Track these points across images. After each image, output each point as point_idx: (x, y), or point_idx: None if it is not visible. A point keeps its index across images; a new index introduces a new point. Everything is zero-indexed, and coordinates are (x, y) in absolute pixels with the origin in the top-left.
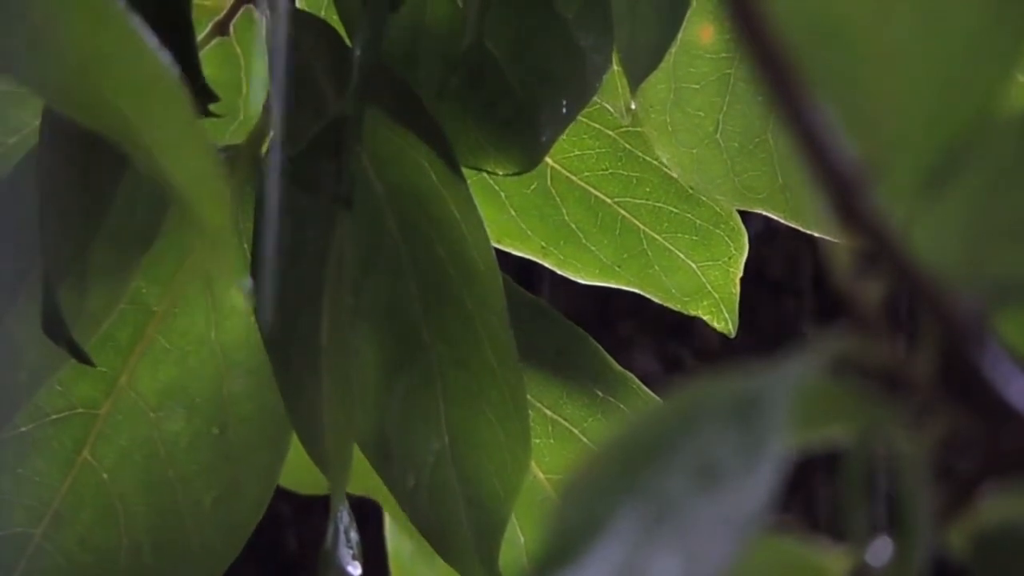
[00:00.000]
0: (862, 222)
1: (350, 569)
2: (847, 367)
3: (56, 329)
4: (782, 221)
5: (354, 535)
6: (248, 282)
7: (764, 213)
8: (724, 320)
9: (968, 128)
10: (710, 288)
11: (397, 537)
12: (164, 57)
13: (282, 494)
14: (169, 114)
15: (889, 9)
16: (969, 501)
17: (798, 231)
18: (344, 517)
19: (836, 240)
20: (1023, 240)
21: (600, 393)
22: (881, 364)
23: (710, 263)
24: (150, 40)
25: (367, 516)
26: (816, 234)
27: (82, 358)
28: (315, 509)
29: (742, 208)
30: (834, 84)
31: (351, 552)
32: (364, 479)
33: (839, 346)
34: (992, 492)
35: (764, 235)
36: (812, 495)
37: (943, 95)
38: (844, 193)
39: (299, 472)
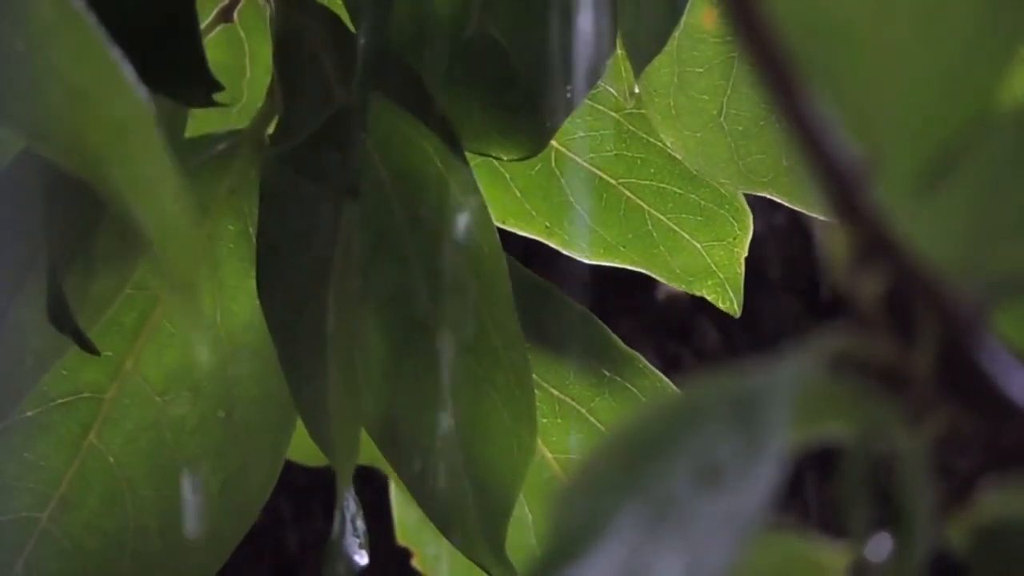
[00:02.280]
0: (861, 218)
1: (357, 558)
2: (846, 364)
3: (61, 317)
4: (781, 222)
5: (360, 524)
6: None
7: (763, 213)
8: (729, 300)
9: (967, 124)
10: (715, 268)
11: (402, 505)
12: (142, 94)
13: (283, 494)
14: (143, 155)
15: (888, 6)
16: (969, 497)
17: (798, 231)
18: (351, 506)
19: (835, 235)
20: (1022, 235)
21: (607, 373)
22: (880, 360)
23: (715, 243)
24: (129, 76)
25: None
26: (818, 223)
27: (87, 346)
28: (315, 509)
29: (747, 191)
30: (833, 81)
31: (358, 541)
32: (370, 448)
33: (838, 343)
34: (991, 488)
35: (764, 235)
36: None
37: (942, 91)
38: (843, 189)
39: (307, 445)
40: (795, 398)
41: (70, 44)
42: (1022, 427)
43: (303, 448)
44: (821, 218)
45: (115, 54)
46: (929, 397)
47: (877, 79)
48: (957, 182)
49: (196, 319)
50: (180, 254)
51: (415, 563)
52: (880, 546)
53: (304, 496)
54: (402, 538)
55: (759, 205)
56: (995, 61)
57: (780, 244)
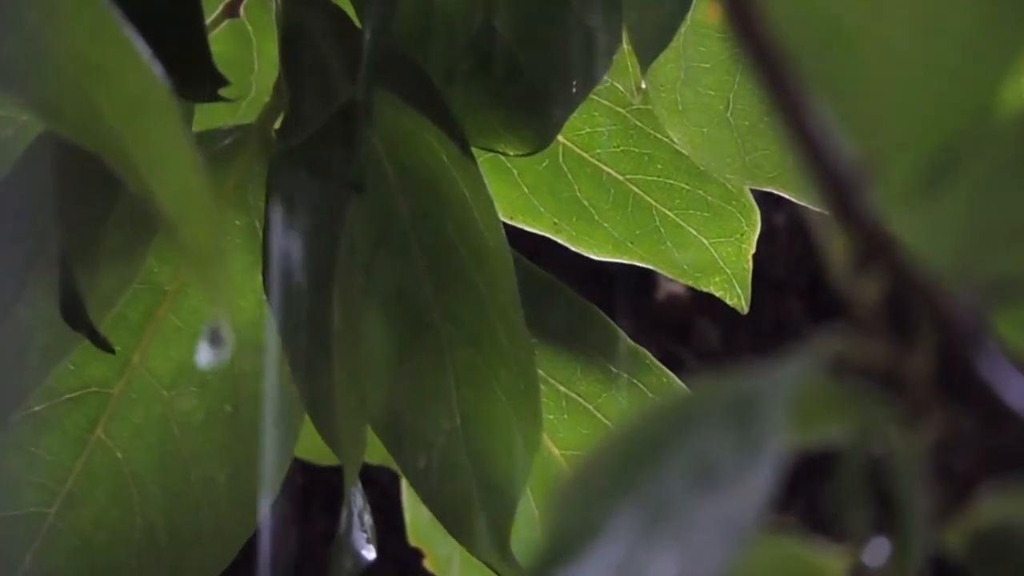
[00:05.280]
0: (860, 221)
1: (364, 552)
2: (844, 366)
3: (75, 314)
4: (782, 222)
5: (368, 518)
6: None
7: (764, 213)
8: (737, 296)
9: (965, 127)
10: (722, 264)
11: (414, 505)
12: (157, 70)
13: (284, 492)
14: (160, 129)
15: (885, 8)
16: (966, 501)
17: (798, 231)
18: (358, 500)
19: (834, 239)
20: (1020, 239)
21: (613, 369)
22: (878, 363)
23: (722, 239)
24: (144, 52)
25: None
26: (819, 223)
27: (101, 343)
28: (316, 508)
29: (753, 186)
30: (832, 84)
31: (365, 536)
32: (382, 448)
33: (836, 346)
34: (989, 492)
35: (764, 235)
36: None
37: (940, 94)
38: (842, 192)
39: (314, 443)
40: (792, 400)
41: (83, 20)
42: (1019, 430)
43: (310, 446)
44: (824, 215)
45: (129, 31)
46: (927, 400)
47: (875, 81)
48: (955, 185)
49: (217, 294)
50: (199, 227)
51: (427, 564)
52: (878, 550)
53: (304, 496)
54: (414, 539)
55: (760, 204)
56: (995, 64)
57: (781, 244)
